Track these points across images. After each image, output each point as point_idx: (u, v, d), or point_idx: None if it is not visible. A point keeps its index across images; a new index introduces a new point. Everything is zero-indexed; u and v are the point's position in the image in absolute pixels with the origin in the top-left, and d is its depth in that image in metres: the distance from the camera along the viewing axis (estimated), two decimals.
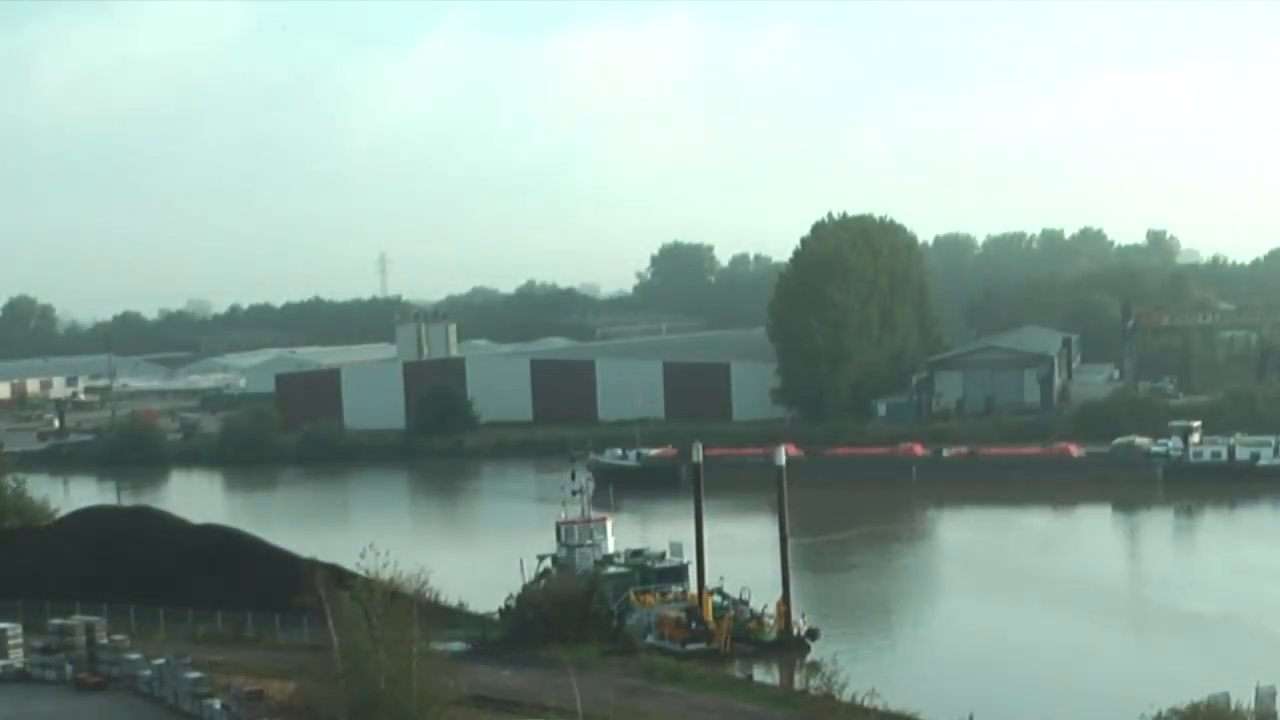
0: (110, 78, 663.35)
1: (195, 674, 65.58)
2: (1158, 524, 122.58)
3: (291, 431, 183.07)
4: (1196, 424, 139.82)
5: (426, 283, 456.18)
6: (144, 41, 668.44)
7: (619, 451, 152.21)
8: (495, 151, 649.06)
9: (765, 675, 72.65)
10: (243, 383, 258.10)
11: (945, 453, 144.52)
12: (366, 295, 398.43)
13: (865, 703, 59.02)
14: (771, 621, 77.42)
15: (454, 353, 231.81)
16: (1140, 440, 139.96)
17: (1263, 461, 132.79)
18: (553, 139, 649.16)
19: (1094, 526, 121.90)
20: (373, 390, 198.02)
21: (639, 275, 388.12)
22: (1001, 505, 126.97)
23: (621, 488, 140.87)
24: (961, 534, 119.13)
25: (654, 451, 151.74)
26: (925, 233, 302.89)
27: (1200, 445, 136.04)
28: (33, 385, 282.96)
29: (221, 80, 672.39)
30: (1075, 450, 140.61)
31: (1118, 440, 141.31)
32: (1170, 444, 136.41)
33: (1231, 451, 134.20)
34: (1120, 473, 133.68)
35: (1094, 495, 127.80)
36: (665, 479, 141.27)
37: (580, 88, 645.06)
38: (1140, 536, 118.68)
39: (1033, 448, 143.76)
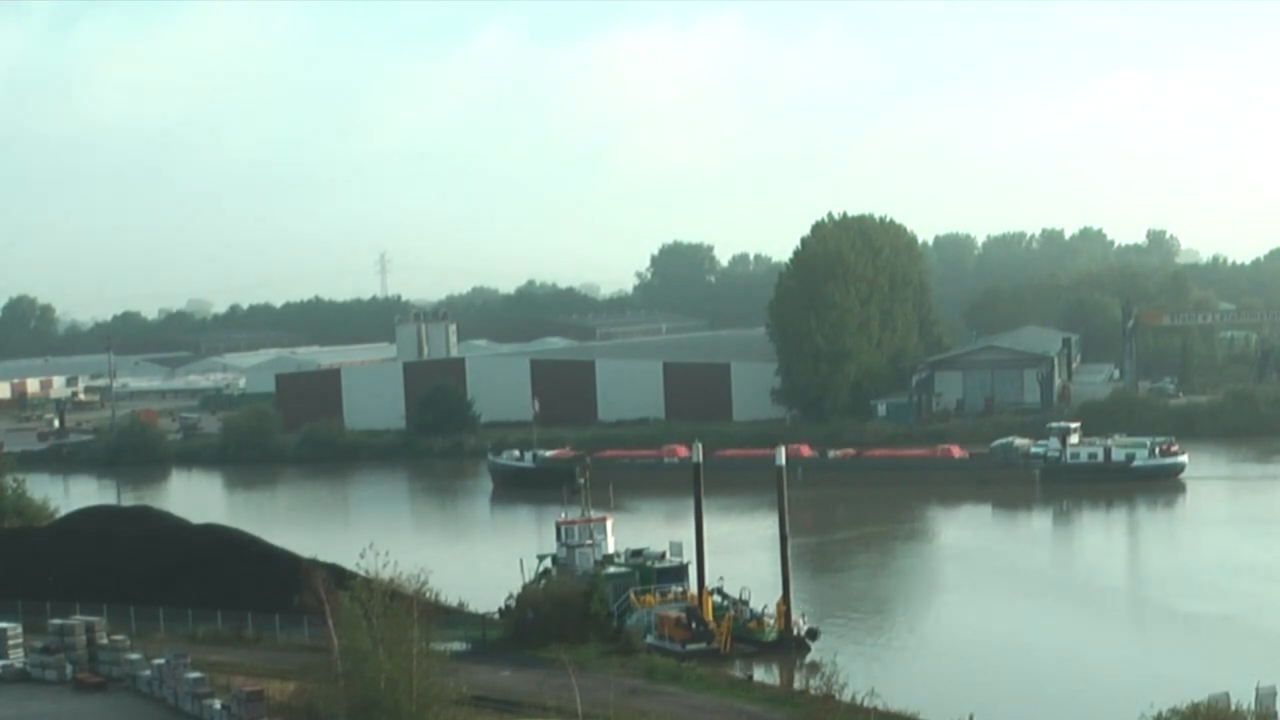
0: (143, 85, 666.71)
1: (195, 674, 65.56)
2: (1073, 521, 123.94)
3: (292, 431, 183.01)
4: (1075, 425, 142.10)
5: (426, 283, 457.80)
6: (186, 49, 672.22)
7: (516, 453, 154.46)
8: (513, 154, 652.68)
9: (765, 675, 72.63)
10: (243, 383, 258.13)
11: (831, 454, 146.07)
12: (366, 295, 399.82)
13: (865, 703, 59.05)
14: (771, 621, 77.40)
15: (454, 353, 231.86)
16: (1020, 441, 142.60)
17: (1137, 462, 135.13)
18: (571, 141, 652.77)
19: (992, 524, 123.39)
20: (373, 390, 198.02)
21: (639, 275, 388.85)
22: (880, 505, 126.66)
23: (517, 489, 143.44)
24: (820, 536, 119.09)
25: (550, 453, 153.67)
26: (925, 233, 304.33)
27: (1078, 446, 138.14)
28: (33, 385, 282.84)
29: (257, 87, 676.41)
30: (957, 451, 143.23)
31: (997, 441, 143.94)
32: (1048, 445, 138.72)
33: (1108, 452, 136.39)
34: (1000, 473, 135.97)
35: (975, 495, 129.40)
36: (560, 480, 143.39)
37: (608, 91, 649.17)
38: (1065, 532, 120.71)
39: (917, 449, 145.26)
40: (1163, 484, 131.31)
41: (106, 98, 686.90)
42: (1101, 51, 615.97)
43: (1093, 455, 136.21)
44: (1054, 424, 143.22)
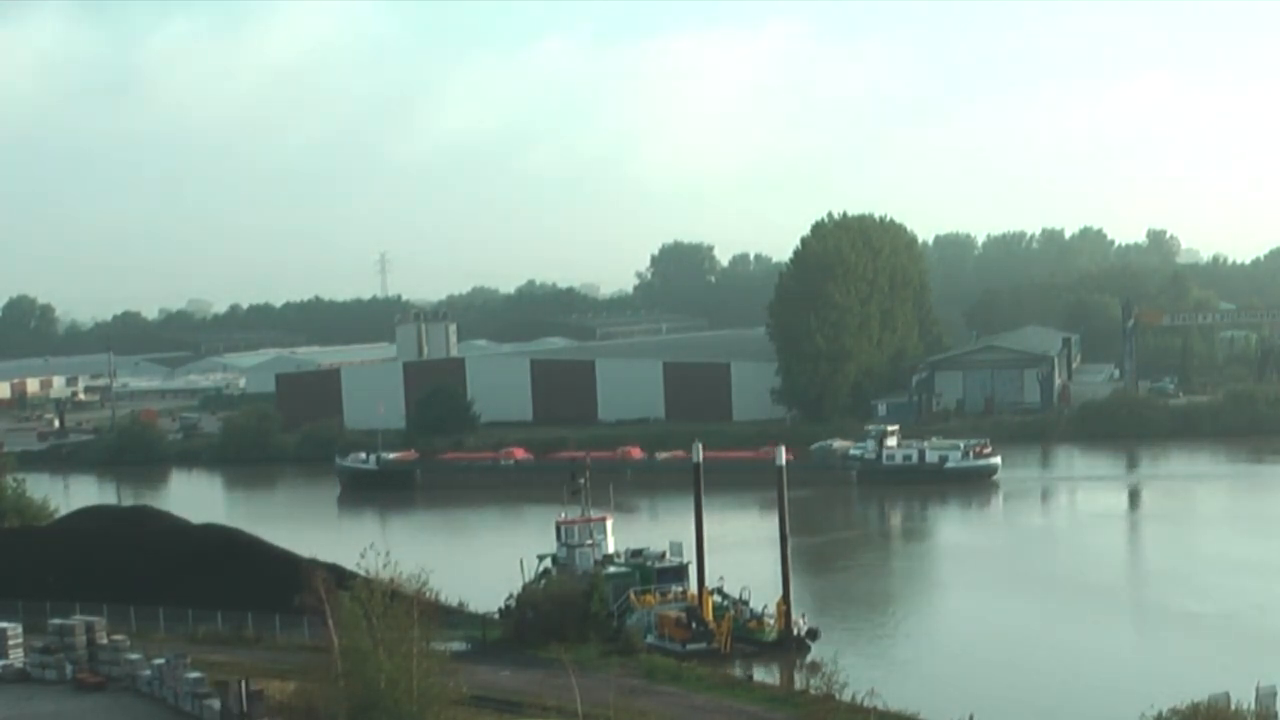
0: (201, 90, 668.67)
1: (195, 674, 65.52)
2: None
3: (291, 431, 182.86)
4: (893, 428, 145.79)
5: (426, 283, 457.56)
6: (248, 59, 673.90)
7: (362, 455, 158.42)
8: (537, 157, 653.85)
9: (765, 675, 72.61)
10: (243, 383, 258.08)
11: (660, 455, 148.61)
12: (366, 295, 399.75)
13: (865, 703, 59.03)
14: (772, 621, 77.40)
15: (454, 353, 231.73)
16: (839, 444, 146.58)
17: (950, 464, 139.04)
18: (595, 144, 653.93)
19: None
20: (373, 390, 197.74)
21: (639, 275, 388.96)
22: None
23: (363, 490, 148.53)
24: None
25: (393, 455, 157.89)
26: (925, 233, 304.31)
27: (894, 449, 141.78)
28: (33, 385, 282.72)
29: (306, 94, 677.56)
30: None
31: (817, 444, 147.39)
32: (866, 447, 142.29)
33: (922, 455, 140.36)
34: (819, 475, 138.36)
35: (797, 496, 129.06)
36: (402, 482, 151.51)
37: (643, 96, 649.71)
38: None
39: (744, 451, 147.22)
40: (974, 484, 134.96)
41: (158, 104, 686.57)
42: (1103, 56, 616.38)
43: (907, 457, 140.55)
44: (871, 426, 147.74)
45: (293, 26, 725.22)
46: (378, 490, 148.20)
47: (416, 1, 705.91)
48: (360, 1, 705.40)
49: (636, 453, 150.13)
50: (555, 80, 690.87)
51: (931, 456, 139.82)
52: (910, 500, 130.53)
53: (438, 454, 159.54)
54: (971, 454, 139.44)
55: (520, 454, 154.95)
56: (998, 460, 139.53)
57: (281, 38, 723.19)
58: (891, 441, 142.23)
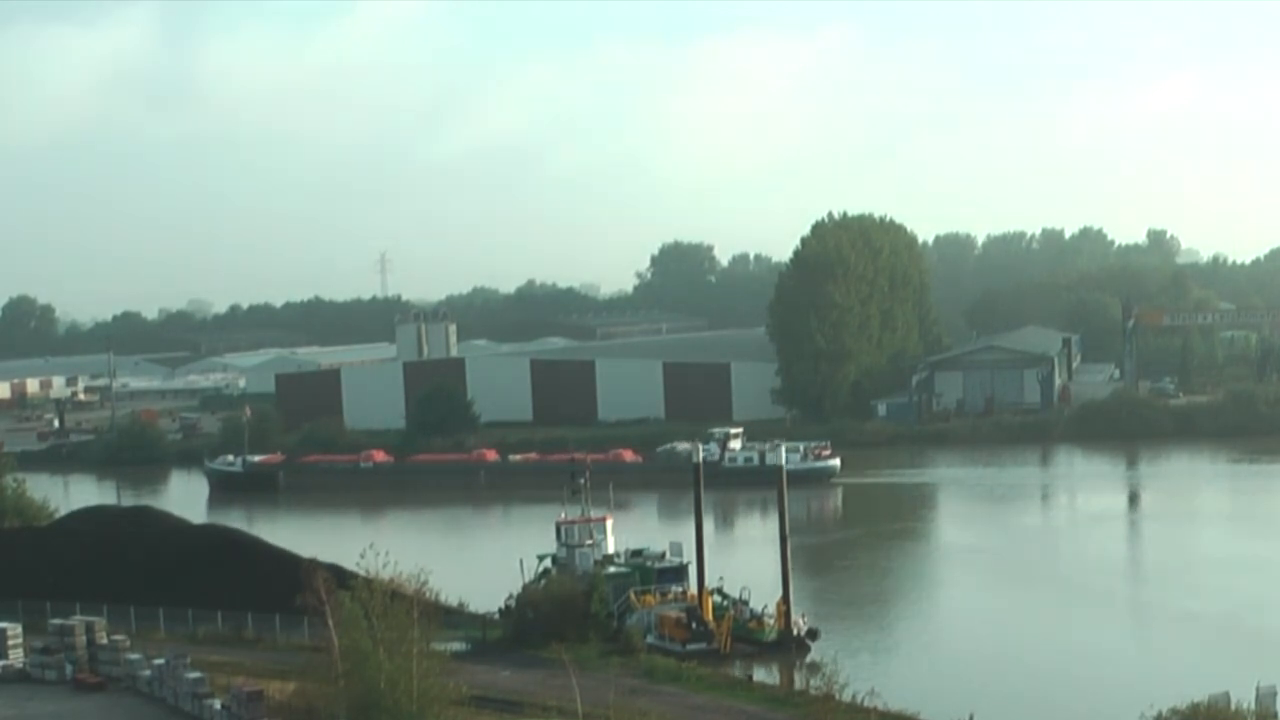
0: (245, 93, 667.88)
1: (195, 674, 65.54)
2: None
3: (291, 431, 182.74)
4: (736, 431, 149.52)
5: (426, 283, 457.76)
6: (295, 61, 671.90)
7: (229, 458, 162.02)
8: (561, 159, 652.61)
9: (765, 675, 72.60)
10: (243, 383, 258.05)
11: (513, 458, 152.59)
12: (366, 295, 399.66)
13: (865, 702, 59.03)
14: (772, 621, 77.42)
15: (454, 353, 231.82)
16: (682, 446, 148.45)
17: (789, 466, 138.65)
18: (612, 147, 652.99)
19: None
20: (373, 390, 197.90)
21: (639, 275, 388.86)
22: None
23: (230, 492, 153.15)
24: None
25: (258, 458, 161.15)
26: (925, 233, 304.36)
27: (736, 451, 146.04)
28: (33, 385, 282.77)
29: (354, 99, 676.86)
30: (629, 455, 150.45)
31: (661, 447, 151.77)
32: (709, 450, 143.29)
33: (763, 457, 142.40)
34: (665, 475, 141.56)
35: (642, 496, 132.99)
36: (266, 483, 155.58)
37: (677, 97, 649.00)
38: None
39: (594, 454, 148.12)
40: (814, 485, 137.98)
41: (205, 110, 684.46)
42: (1104, 58, 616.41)
43: (749, 459, 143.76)
44: (715, 430, 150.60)
45: (359, 32, 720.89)
46: (243, 492, 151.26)
47: (482, 4, 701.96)
48: (427, 4, 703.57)
49: (491, 455, 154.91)
50: (595, 84, 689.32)
51: (772, 459, 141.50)
52: (750, 501, 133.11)
53: (299, 456, 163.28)
54: (811, 456, 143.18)
55: (380, 457, 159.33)
56: (836, 463, 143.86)
57: (344, 44, 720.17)
58: (734, 444, 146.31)
